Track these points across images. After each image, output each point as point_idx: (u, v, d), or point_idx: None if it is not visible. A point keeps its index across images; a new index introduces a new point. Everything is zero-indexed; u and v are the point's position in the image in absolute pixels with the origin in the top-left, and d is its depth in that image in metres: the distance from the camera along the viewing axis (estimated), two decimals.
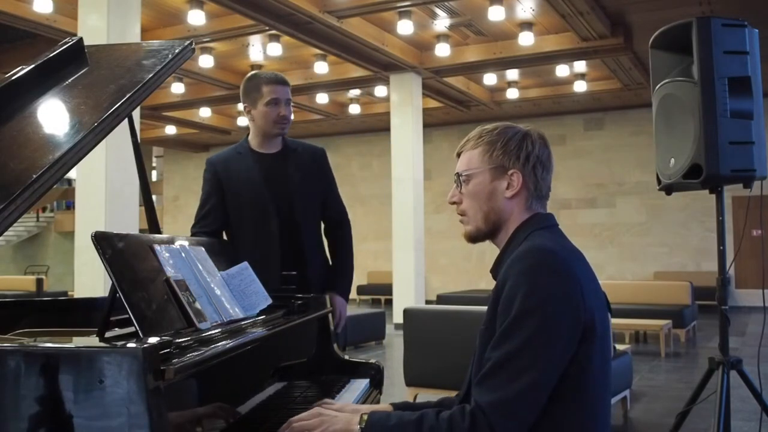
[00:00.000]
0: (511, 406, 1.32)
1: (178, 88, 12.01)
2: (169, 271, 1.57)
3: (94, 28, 6.28)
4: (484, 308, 1.45)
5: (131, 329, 1.41)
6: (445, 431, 1.34)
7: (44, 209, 22.98)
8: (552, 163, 1.57)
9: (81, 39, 2.01)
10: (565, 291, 1.36)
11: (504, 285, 1.41)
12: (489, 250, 14.43)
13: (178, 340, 1.32)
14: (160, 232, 2.07)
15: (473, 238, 1.59)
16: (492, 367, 1.35)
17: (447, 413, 1.37)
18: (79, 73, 1.92)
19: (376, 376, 2.21)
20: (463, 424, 1.33)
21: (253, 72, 2.91)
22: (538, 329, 1.33)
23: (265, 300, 1.93)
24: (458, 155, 1.61)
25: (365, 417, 1.42)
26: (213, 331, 1.53)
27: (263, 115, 2.76)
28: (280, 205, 2.77)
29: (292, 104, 2.83)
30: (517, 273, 1.39)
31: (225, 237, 2.86)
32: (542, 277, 1.37)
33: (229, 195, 2.80)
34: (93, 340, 1.42)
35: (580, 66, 11.33)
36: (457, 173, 1.59)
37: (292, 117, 2.85)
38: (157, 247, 1.60)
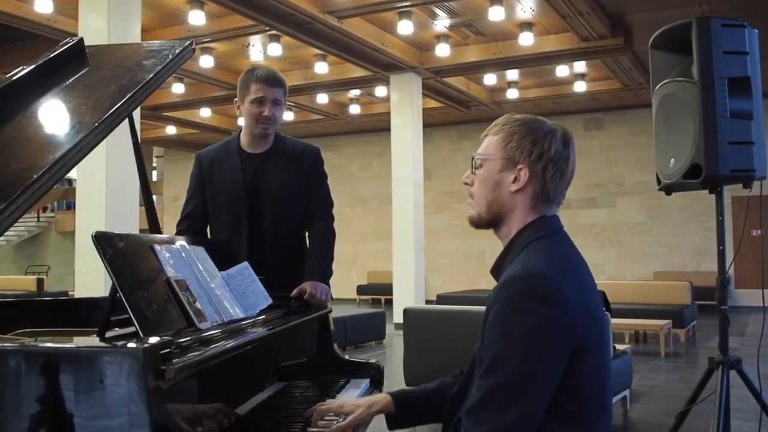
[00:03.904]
0: None
1: (178, 89, 12.02)
2: (170, 271, 1.57)
3: (94, 29, 6.28)
4: (484, 308, 1.45)
5: (132, 329, 1.41)
6: None
7: (45, 209, 22.98)
8: (569, 167, 1.50)
9: (81, 39, 2.02)
10: (553, 318, 1.32)
11: (492, 308, 1.39)
12: (489, 250, 14.48)
13: (178, 340, 1.33)
14: (160, 232, 2.07)
15: (475, 224, 1.57)
16: (482, 397, 1.34)
17: None
18: (80, 74, 1.92)
19: (376, 376, 2.21)
20: None
21: (251, 66, 2.74)
22: (526, 359, 1.31)
23: (265, 300, 1.93)
24: (483, 138, 1.58)
25: None
26: (213, 331, 1.53)
27: (248, 113, 2.65)
28: (254, 212, 2.67)
29: (283, 106, 2.68)
30: (503, 300, 1.36)
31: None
32: (529, 305, 1.33)
33: (208, 194, 2.73)
34: (93, 340, 1.42)
35: (580, 66, 11.33)
36: (474, 156, 1.56)
37: (279, 117, 2.68)
38: (157, 247, 1.60)
